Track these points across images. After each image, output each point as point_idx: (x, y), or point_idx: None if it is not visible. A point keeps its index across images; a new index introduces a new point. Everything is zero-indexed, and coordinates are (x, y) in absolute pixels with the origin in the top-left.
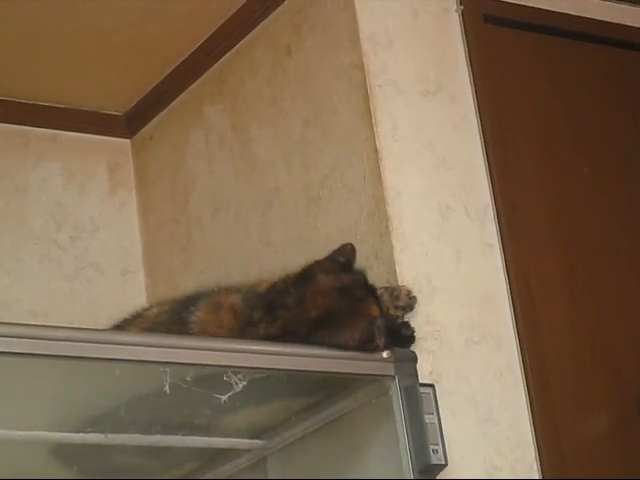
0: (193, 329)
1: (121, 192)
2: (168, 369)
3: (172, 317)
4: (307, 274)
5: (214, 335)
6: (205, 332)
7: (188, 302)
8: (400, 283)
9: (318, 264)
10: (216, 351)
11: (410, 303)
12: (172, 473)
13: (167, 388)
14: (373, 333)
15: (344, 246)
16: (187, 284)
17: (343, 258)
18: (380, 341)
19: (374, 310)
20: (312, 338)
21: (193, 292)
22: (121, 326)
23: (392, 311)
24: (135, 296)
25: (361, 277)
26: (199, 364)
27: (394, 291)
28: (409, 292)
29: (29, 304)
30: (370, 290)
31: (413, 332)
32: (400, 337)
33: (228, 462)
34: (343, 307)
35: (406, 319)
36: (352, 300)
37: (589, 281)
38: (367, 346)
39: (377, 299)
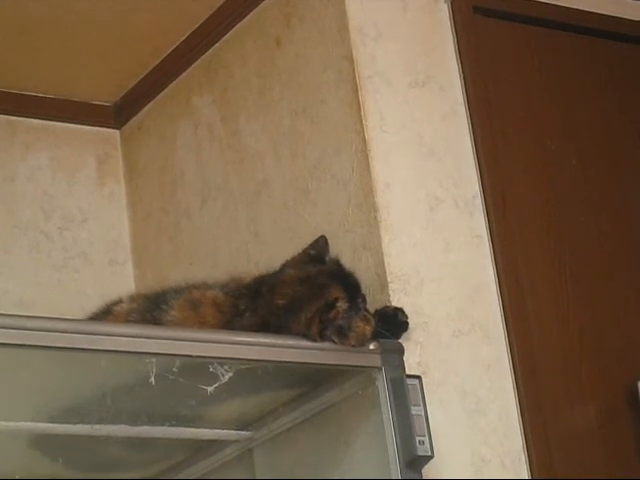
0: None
1: (110, 182)
2: (154, 360)
3: (144, 316)
4: (280, 268)
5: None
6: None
7: (159, 300)
8: (388, 274)
9: (291, 259)
10: (202, 342)
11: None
12: (159, 464)
13: (153, 379)
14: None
15: (317, 239)
16: (175, 274)
17: (314, 250)
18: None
19: (336, 291)
20: (284, 329)
21: (161, 290)
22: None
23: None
24: (123, 286)
25: (332, 267)
26: (185, 355)
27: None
28: (403, 318)
29: (17, 294)
30: (338, 277)
31: (407, 318)
32: (397, 322)
33: (215, 453)
34: (304, 294)
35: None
36: (313, 287)
37: (577, 272)
38: (311, 329)
39: (349, 284)
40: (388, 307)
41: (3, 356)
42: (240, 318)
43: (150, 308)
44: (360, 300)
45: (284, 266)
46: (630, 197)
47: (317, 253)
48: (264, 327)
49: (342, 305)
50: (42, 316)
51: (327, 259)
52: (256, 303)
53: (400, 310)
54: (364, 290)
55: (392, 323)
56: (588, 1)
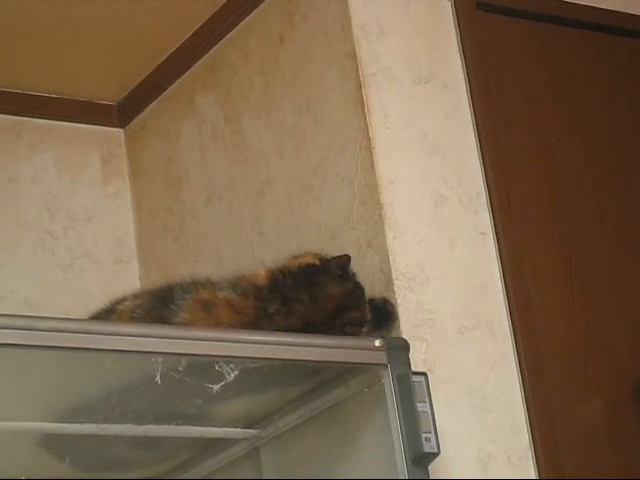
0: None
1: (114, 182)
2: (160, 359)
3: (150, 314)
4: (314, 280)
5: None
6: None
7: (165, 298)
8: (393, 271)
9: (323, 274)
10: (208, 341)
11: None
12: (165, 463)
13: (158, 378)
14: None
15: (343, 258)
16: (181, 273)
17: (340, 271)
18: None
19: (367, 313)
20: (331, 327)
21: (166, 286)
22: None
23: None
24: (129, 285)
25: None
26: (191, 354)
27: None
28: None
29: (23, 294)
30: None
31: (394, 308)
32: (386, 313)
33: (221, 452)
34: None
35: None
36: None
37: (583, 268)
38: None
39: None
40: (375, 298)
41: (9, 356)
42: (270, 320)
43: (156, 305)
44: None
45: (321, 278)
46: (636, 193)
47: (342, 274)
48: (303, 329)
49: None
50: (48, 316)
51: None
52: (290, 308)
53: (387, 301)
54: (370, 287)
55: (381, 314)
56: None
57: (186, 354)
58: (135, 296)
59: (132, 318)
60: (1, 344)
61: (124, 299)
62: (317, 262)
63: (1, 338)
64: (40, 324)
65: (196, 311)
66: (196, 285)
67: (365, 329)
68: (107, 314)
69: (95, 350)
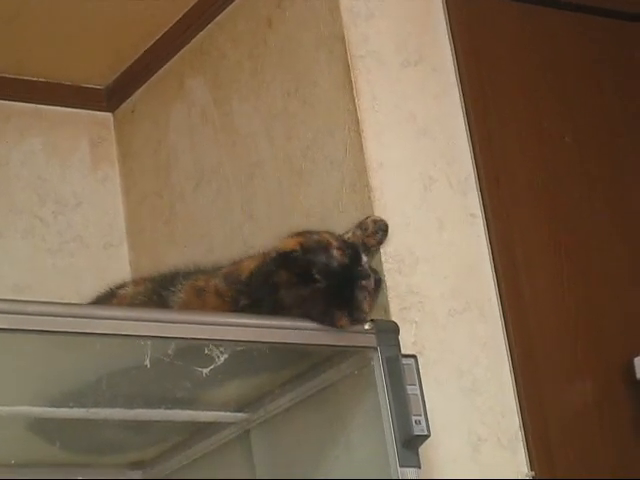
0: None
1: (103, 166)
2: (149, 343)
3: (151, 297)
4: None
5: None
6: None
7: (166, 282)
8: (383, 254)
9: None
10: (197, 324)
11: (376, 228)
12: (156, 447)
13: (148, 362)
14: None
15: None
16: (171, 257)
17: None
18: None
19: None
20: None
21: (168, 272)
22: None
23: (366, 241)
24: (119, 270)
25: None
26: (180, 337)
27: (362, 224)
28: (375, 220)
29: (13, 279)
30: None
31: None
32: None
33: (212, 435)
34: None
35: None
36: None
37: (573, 249)
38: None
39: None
40: None
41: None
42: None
43: (157, 290)
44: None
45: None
46: (625, 175)
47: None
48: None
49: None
50: (36, 300)
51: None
52: (259, 305)
53: (373, 270)
54: None
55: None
56: None
57: (175, 337)
58: (136, 282)
59: (133, 304)
60: None
61: (124, 284)
62: (297, 249)
63: None
64: (29, 308)
65: (191, 294)
66: (197, 272)
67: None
68: (107, 299)
69: (84, 334)
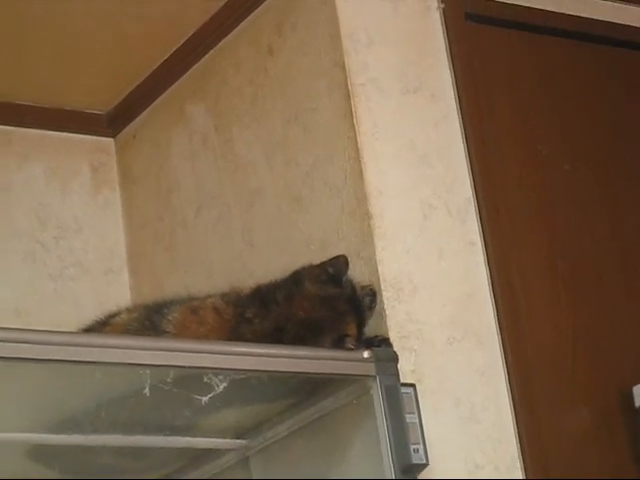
0: (168, 328)
1: (105, 191)
2: (148, 371)
3: (143, 323)
4: (295, 278)
5: (195, 333)
6: (184, 330)
7: (160, 307)
8: (382, 281)
9: (308, 270)
10: (197, 353)
11: (363, 294)
12: (155, 473)
13: (147, 390)
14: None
15: (338, 257)
16: (171, 283)
17: (333, 269)
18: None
19: (351, 328)
20: (301, 339)
21: (161, 300)
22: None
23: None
24: (119, 295)
25: (348, 291)
26: (181, 366)
27: None
28: (363, 286)
29: (13, 303)
30: (354, 306)
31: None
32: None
33: (211, 462)
34: (324, 317)
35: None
36: (334, 312)
37: (571, 277)
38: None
39: (360, 315)
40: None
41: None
42: (249, 324)
43: (149, 316)
44: (364, 328)
45: (300, 277)
46: (623, 202)
47: (335, 273)
48: (278, 332)
49: (351, 343)
50: (36, 329)
51: (344, 280)
52: (268, 309)
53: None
54: None
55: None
56: (580, 7)
57: (174, 366)
58: (129, 310)
59: (127, 331)
60: None
61: (118, 312)
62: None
63: None
64: (29, 336)
65: (185, 313)
66: (192, 298)
67: (349, 346)
68: (100, 327)
69: (83, 363)
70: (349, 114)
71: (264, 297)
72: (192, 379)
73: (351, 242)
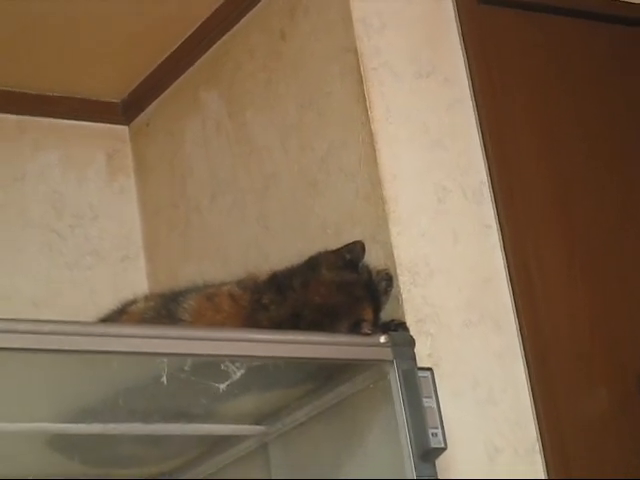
0: (184, 317)
1: (120, 179)
2: (165, 360)
3: (159, 312)
4: (312, 264)
5: (212, 320)
6: (200, 318)
7: (176, 295)
8: (398, 265)
9: (324, 256)
10: (214, 340)
11: (379, 279)
12: (174, 460)
13: (165, 379)
14: (357, 333)
15: (354, 243)
16: (187, 269)
17: (349, 255)
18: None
19: (367, 313)
20: (317, 325)
21: (179, 288)
22: (106, 322)
23: None
24: (136, 282)
25: (365, 277)
26: (198, 354)
27: None
28: (379, 270)
29: (30, 293)
30: (371, 291)
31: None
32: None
33: (230, 448)
34: (340, 302)
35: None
36: (349, 298)
37: (587, 260)
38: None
39: (376, 302)
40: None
41: (18, 360)
42: (266, 311)
43: (166, 304)
44: (380, 313)
45: (317, 263)
46: (638, 182)
47: (352, 258)
48: (294, 318)
49: (367, 328)
50: (53, 320)
51: (360, 266)
52: (284, 295)
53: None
54: None
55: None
56: None
57: (191, 354)
58: (146, 298)
59: (143, 319)
60: (8, 348)
61: (135, 301)
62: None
63: (8, 342)
64: (45, 327)
65: (201, 301)
66: (207, 285)
67: (365, 331)
68: (118, 315)
69: (100, 352)
70: (362, 99)
71: (280, 283)
72: (209, 367)
73: (366, 226)
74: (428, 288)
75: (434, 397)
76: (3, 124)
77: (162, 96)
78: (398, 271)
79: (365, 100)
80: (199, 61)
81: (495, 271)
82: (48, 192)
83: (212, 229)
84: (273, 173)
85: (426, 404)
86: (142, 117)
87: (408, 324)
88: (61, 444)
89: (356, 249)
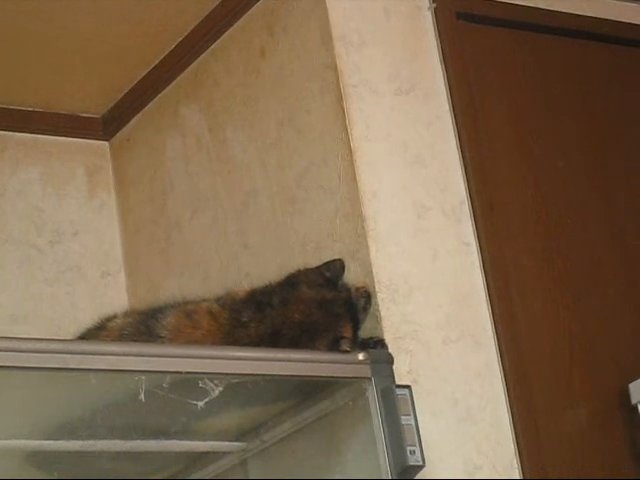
0: (163, 334)
1: (100, 194)
2: (143, 377)
3: (138, 328)
4: (291, 281)
5: (190, 337)
6: (179, 335)
7: (155, 312)
8: (377, 283)
9: (304, 274)
10: (192, 358)
11: (358, 295)
12: (154, 476)
13: (143, 396)
14: (336, 350)
15: (334, 261)
16: (168, 286)
17: (329, 273)
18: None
19: (347, 330)
20: (296, 343)
21: (156, 305)
22: (85, 338)
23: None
24: (116, 299)
25: (344, 295)
26: (174, 372)
27: None
28: (358, 287)
29: (10, 309)
30: (350, 309)
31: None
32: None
33: (209, 465)
34: (320, 320)
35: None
36: (329, 315)
37: (567, 276)
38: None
39: (355, 320)
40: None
41: None
42: (245, 329)
43: (144, 320)
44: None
45: (297, 280)
46: (618, 200)
47: (332, 276)
48: (273, 336)
49: (347, 345)
50: (32, 337)
51: (340, 284)
52: (263, 313)
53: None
54: None
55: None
56: (571, 4)
57: (169, 372)
58: (126, 314)
59: (122, 335)
60: None
61: (114, 316)
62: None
63: None
64: (23, 345)
65: (180, 318)
66: (186, 302)
67: (345, 348)
68: (97, 331)
69: (78, 370)
70: (341, 116)
71: (259, 301)
72: (188, 384)
73: (345, 244)
74: (407, 305)
75: (412, 414)
76: None
77: (142, 112)
78: (377, 288)
79: (345, 117)
80: (179, 77)
81: (474, 289)
82: (28, 208)
83: (192, 245)
84: (253, 190)
85: (404, 422)
86: (122, 133)
87: (387, 341)
88: (39, 461)
89: (335, 267)
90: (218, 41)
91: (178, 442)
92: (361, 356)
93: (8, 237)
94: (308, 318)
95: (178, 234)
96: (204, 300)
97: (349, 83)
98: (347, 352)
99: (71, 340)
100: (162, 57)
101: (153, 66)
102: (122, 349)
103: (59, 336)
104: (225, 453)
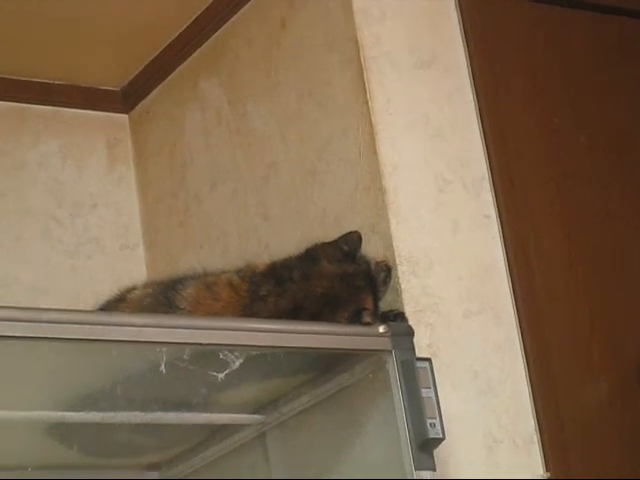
0: (182, 305)
1: (119, 167)
2: (164, 349)
3: (157, 299)
4: (311, 256)
5: (210, 309)
6: (198, 306)
7: (175, 283)
8: (397, 256)
9: (322, 249)
10: (213, 330)
11: (378, 269)
12: (173, 449)
13: (163, 367)
14: (357, 322)
15: (350, 233)
16: (187, 258)
17: (347, 246)
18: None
19: (368, 302)
20: (318, 316)
21: (176, 276)
22: (105, 309)
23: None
24: (135, 271)
25: (364, 267)
26: (195, 343)
27: None
28: (378, 262)
29: (29, 282)
30: (370, 281)
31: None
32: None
33: (228, 437)
34: (342, 292)
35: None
36: (351, 287)
37: (587, 250)
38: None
39: (375, 292)
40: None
41: (17, 348)
42: (263, 303)
43: (164, 291)
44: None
45: (316, 255)
46: (638, 174)
47: (350, 249)
48: (295, 310)
49: (368, 317)
50: (54, 308)
51: (358, 256)
52: (283, 288)
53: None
54: None
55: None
56: None
57: (190, 343)
58: (145, 285)
59: (142, 306)
60: (7, 336)
61: (133, 288)
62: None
63: (6, 330)
64: (45, 316)
65: (199, 289)
66: (206, 274)
67: (366, 319)
68: (117, 303)
69: (99, 341)
70: (362, 89)
71: (280, 275)
72: (208, 356)
73: (366, 217)
74: (427, 279)
75: (432, 387)
76: (3, 112)
77: (162, 84)
78: (397, 262)
79: (365, 90)
80: (199, 50)
81: (495, 262)
82: (48, 181)
83: (212, 218)
84: (273, 162)
85: (424, 394)
86: (142, 105)
87: (407, 315)
88: (60, 432)
89: (353, 239)
90: (238, 13)
91: (197, 414)
92: (381, 329)
93: (28, 209)
94: (330, 291)
95: (197, 207)
96: (224, 272)
97: (369, 56)
98: (369, 324)
99: (92, 311)
100: (182, 30)
101: (173, 39)
102: (143, 320)
103: (79, 308)
104: (244, 426)
